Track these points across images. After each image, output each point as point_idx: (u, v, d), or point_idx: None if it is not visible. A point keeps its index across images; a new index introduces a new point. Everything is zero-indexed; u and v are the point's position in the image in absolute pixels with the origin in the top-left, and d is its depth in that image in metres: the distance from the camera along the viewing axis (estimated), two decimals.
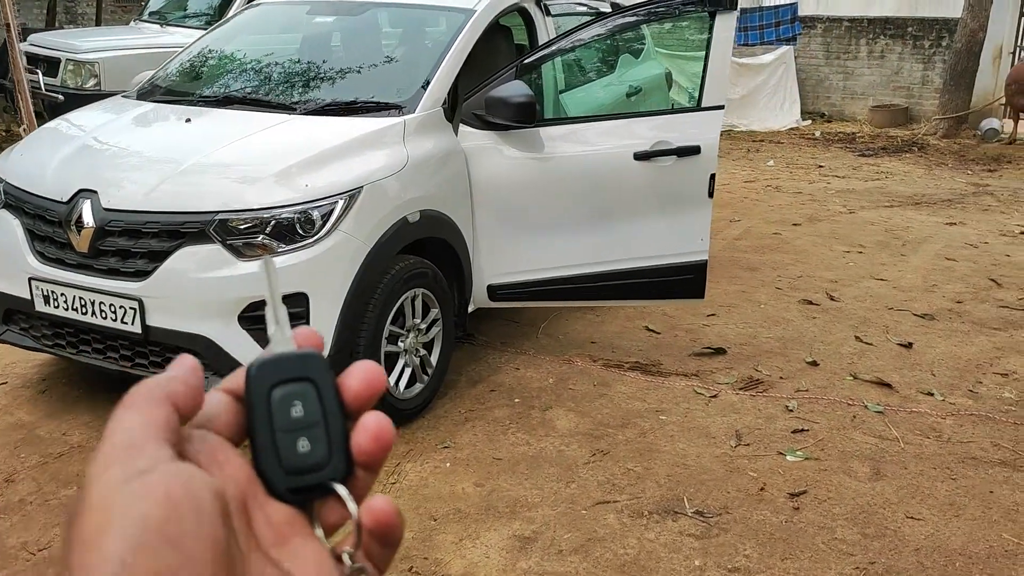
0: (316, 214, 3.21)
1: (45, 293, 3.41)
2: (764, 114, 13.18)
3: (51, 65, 8.53)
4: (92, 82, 8.17)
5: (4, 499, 3.12)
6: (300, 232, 3.20)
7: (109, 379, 3.75)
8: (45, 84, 8.44)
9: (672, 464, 3.47)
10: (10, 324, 3.64)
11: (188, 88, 4.22)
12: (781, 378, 4.32)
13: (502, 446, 3.58)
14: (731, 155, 10.95)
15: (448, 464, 3.43)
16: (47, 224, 3.39)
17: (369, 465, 0.48)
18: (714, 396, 4.08)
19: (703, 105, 3.92)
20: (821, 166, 10.26)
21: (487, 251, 3.99)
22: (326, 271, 3.23)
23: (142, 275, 3.23)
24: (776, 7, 14.01)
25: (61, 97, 7.93)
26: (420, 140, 3.66)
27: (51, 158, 3.54)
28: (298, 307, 3.19)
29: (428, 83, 3.81)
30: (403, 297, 3.57)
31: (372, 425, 0.48)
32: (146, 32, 9.27)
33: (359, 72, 4.09)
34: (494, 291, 4.07)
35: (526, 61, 3.92)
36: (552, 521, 3.09)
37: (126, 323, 3.27)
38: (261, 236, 3.17)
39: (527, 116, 3.73)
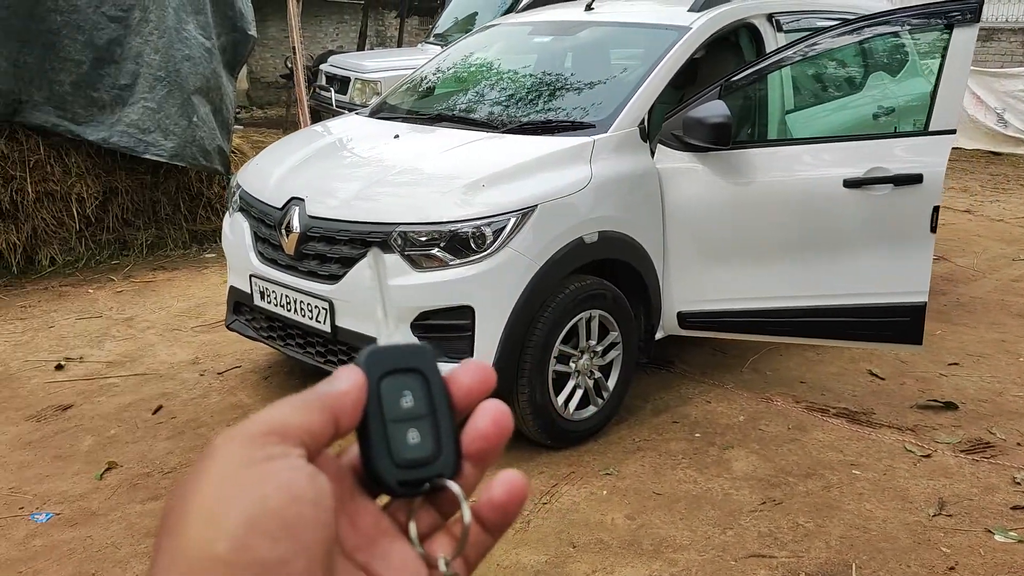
0: (488, 230, 3.28)
1: (261, 289, 3.78)
2: None
3: (343, 84, 9.46)
4: (375, 99, 8.95)
5: None
6: (473, 247, 3.28)
7: (324, 375, 4.08)
8: (336, 101, 9.39)
9: (850, 525, 3.13)
10: (238, 315, 4.08)
11: (409, 106, 4.49)
12: (1019, 444, 3.73)
13: (667, 481, 3.42)
14: None
15: (605, 492, 3.34)
16: (266, 227, 3.76)
17: (482, 455, 0.47)
18: (927, 456, 3.62)
19: (931, 129, 3.49)
20: None
21: (678, 276, 3.84)
22: (493, 286, 3.28)
23: (334, 279, 3.48)
24: None
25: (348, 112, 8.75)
26: (608, 160, 3.61)
27: (278, 168, 3.93)
28: (464, 319, 3.28)
29: (625, 103, 3.75)
30: (577, 317, 3.53)
31: (491, 408, 0.47)
32: (429, 53, 9.95)
33: (565, 91, 4.12)
34: (684, 319, 3.91)
35: (732, 80, 3.72)
36: (695, 568, 2.91)
37: (320, 322, 3.54)
38: (436, 249, 3.29)
39: (722, 138, 3.55)
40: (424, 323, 3.31)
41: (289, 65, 11.75)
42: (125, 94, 5.73)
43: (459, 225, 3.29)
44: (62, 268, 5.99)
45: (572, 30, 4.54)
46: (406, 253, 3.32)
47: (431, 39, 10.56)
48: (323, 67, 10.48)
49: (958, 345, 4.87)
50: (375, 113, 4.54)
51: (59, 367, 4.45)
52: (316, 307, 3.54)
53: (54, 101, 5.57)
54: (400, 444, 0.45)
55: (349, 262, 3.44)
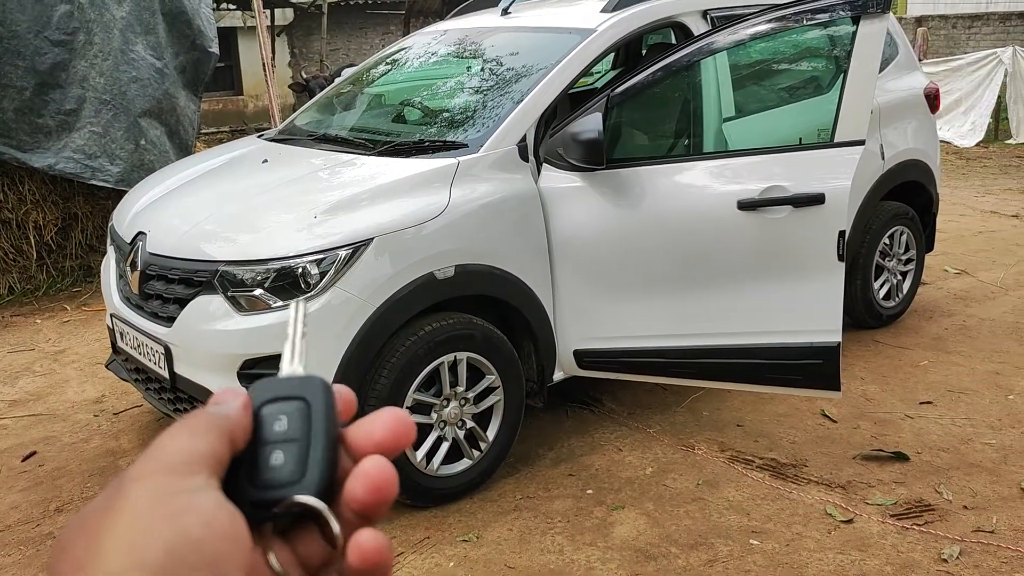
0: (315, 268, 2.92)
1: (120, 330, 3.53)
2: None
3: None
4: None
5: (39, 530, 3.26)
6: (301, 287, 2.94)
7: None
8: None
9: None
10: (116, 355, 3.84)
11: (302, 126, 4.18)
12: (966, 507, 3.16)
13: (529, 550, 2.99)
14: None
15: (452, 564, 2.94)
16: (123, 263, 3.51)
17: (364, 515, 0.44)
18: (847, 521, 3.09)
19: (836, 140, 2.96)
20: None
21: (570, 310, 3.40)
22: (319, 331, 2.92)
23: (171, 321, 3.19)
24: None
25: None
26: (475, 184, 3.21)
27: (140, 199, 3.67)
28: None
29: (502, 120, 3.35)
30: (437, 361, 3.14)
31: (371, 471, 0.43)
32: None
33: (449, 107, 3.73)
34: (581, 358, 3.46)
35: (615, 90, 3.27)
36: None
37: (160, 368, 3.26)
38: (259, 289, 2.96)
39: (594, 156, 3.10)
40: (251, 372, 2.98)
41: (304, 75, 11.73)
42: (71, 119, 5.61)
43: (283, 263, 2.94)
44: (20, 297, 5.93)
45: (481, 38, 4.14)
46: (229, 294, 3.00)
47: None
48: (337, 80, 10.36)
49: (941, 378, 4.26)
50: (274, 135, 4.25)
51: None
52: (156, 351, 3.25)
53: None
54: (263, 465, 0.43)
55: (184, 303, 3.14)
